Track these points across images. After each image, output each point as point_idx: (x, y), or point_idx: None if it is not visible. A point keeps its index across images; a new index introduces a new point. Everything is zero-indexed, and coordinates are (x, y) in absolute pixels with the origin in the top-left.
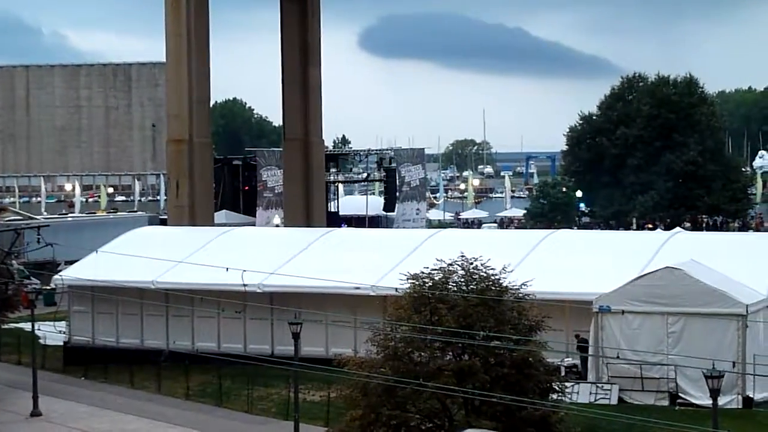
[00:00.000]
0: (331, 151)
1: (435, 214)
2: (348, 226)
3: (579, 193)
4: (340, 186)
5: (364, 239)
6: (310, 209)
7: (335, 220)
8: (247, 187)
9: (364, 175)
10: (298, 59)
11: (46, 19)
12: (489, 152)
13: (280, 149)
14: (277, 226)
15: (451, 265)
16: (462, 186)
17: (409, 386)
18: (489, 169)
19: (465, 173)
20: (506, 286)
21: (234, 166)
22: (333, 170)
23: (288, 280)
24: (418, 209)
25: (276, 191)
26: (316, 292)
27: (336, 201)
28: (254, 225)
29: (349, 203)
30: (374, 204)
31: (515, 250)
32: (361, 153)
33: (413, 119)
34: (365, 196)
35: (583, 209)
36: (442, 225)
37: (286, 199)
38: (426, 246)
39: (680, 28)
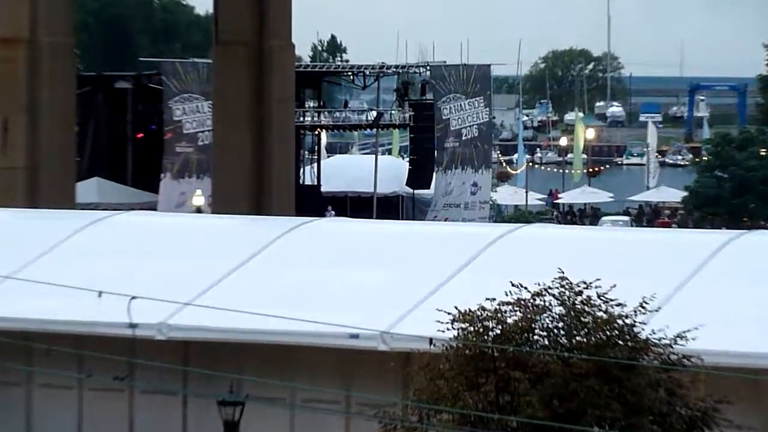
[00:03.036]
0: (307, 65)
1: (509, 195)
2: (338, 214)
3: None
4: (324, 135)
5: (368, 241)
6: (264, 179)
7: (313, 201)
8: (141, 134)
9: (372, 114)
10: None
11: None
12: (617, 75)
13: (208, 61)
14: (199, 211)
15: (538, 295)
16: (563, 140)
17: None
18: (617, 109)
19: (569, 115)
20: (647, 340)
21: (117, 93)
22: (311, 104)
23: (218, 318)
24: (475, 184)
25: (199, 143)
26: (274, 343)
27: (316, 164)
28: (155, 207)
29: (340, 169)
30: (390, 171)
31: (666, 270)
32: (367, 71)
33: (468, 9)
34: (372, 157)
35: None
36: (522, 215)
37: (217, 158)
38: (489, 257)
39: None
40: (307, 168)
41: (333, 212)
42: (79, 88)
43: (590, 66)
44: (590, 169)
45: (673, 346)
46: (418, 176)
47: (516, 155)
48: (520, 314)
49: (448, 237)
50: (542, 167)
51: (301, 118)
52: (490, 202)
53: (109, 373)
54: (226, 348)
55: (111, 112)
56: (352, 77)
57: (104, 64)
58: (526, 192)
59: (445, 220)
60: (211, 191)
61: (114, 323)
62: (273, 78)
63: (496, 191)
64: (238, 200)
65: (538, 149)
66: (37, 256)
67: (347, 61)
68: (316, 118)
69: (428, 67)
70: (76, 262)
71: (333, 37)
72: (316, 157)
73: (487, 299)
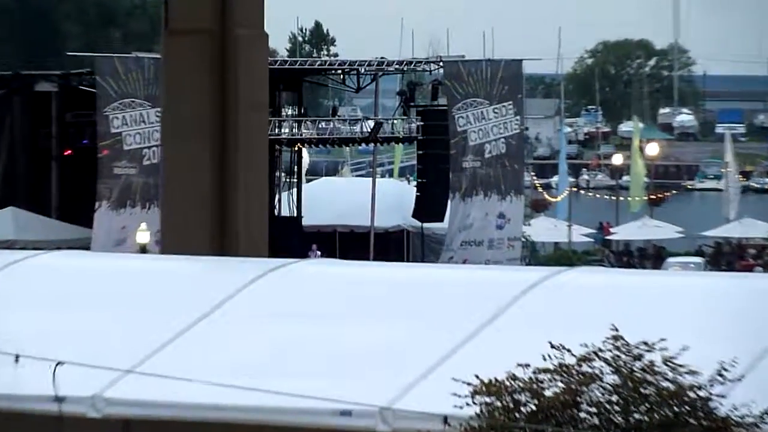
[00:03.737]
0: (285, 61)
1: (546, 230)
2: (325, 254)
3: None
4: (305, 153)
5: (364, 290)
6: (228, 210)
7: (293, 238)
8: (69, 151)
9: (368, 124)
10: None
11: None
12: (686, 74)
13: (156, 56)
14: (144, 250)
15: (585, 359)
16: (617, 158)
17: None
18: (687, 117)
19: (625, 126)
20: (726, 418)
21: (39, 98)
22: (289, 111)
23: (168, 389)
24: (502, 215)
25: (145, 162)
26: (241, 422)
27: (296, 190)
28: (88, 246)
29: (327, 196)
30: (392, 199)
31: (753, 328)
32: (362, 68)
33: None
34: (368, 180)
35: None
36: (563, 256)
37: (167, 182)
38: (520, 310)
39: None
40: (285, 195)
41: (318, 252)
42: None
43: (652, 62)
44: (652, 196)
45: (760, 425)
46: (428, 205)
47: (556, 177)
48: (562, 385)
49: (467, 284)
50: (590, 193)
51: (277, 130)
52: (522, 239)
53: None
54: (178, 427)
55: (30, 123)
56: (342, 77)
57: (21, 60)
58: (569, 226)
59: (464, 263)
60: (159, 225)
61: (34, 396)
62: (240, 78)
63: (529, 224)
64: (194, 237)
65: (584, 170)
66: None
67: (336, 55)
68: (295, 130)
69: (441, 64)
70: None
71: (318, 25)
72: (295, 180)
73: (518, 365)
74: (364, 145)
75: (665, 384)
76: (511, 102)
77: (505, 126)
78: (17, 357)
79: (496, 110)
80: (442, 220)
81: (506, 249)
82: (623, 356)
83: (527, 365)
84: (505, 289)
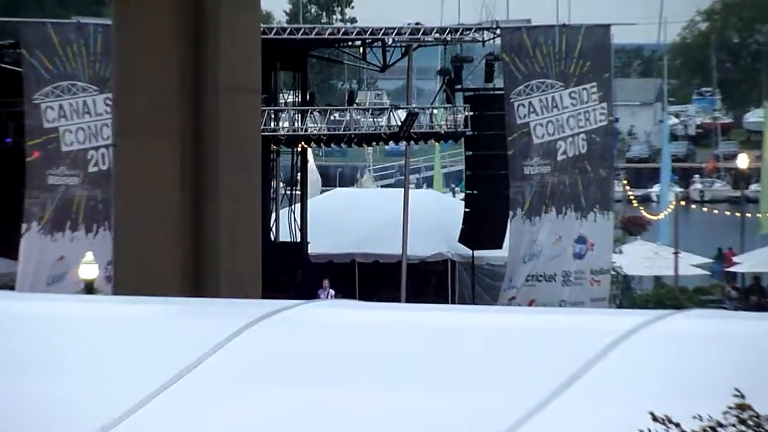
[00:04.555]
0: (284, 29)
1: (644, 258)
2: (340, 293)
3: None
4: (311, 155)
5: (392, 341)
6: (204, 233)
7: (295, 271)
8: None
9: (398, 115)
10: None
11: None
12: None
13: (105, 21)
14: (91, 290)
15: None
16: (742, 160)
17: None
18: None
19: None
20: None
21: None
22: (289, 98)
23: None
24: (583, 239)
25: (91, 168)
26: None
27: (299, 206)
28: (12, 284)
29: (342, 214)
30: (431, 218)
31: None
32: (389, 38)
33: None
34: (399, 191)
35: None
36: (668, 295)
37: (121, 196)
38: (608, 369)
39: None
40: (284, 212)
41: (331, 291)
42: None
43: None
44: None
45: None
46: (481, 227)
47: (657, 187)
48: None
49: (535, 335)
50: (704, 208)
51: (273, 124)
52: (611, 272)
53: None
54: None
55: None
56: (362, 50)
57: None
58: (676, 253)
59: (530, 304)
60: (111, 255)
61: None
62: (220, 51)
63: (620, 252)
64: (159, 271)
65: (696, 176)
66: None
67: (353, 21)
68: (298, 124)
69: (498, 32)
70: None
71: None
72: (298, 192)
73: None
74: (392, 143)
75: None
76: (594, 84)
77: (587, 117)
78: None
79: (573, 95)
80: (500, 247)
81: (589, 285)
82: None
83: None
84: (587, 341)
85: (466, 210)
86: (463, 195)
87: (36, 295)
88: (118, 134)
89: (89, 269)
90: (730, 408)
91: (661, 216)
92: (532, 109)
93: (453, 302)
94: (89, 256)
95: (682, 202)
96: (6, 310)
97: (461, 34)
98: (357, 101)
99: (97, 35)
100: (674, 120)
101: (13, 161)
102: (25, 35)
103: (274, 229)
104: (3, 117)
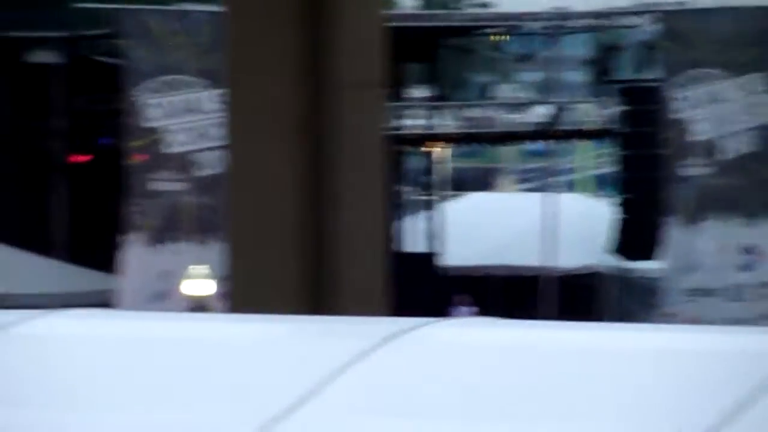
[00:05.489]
0: (413, 15)
1: None
2: (477, 308)
3: None
4: (443, 154)
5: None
6: (326, 243)
7: (426, 285)
8: (81, 157)
9: (540, 111)
10: None
11: None
12: None
13: (211, 8)
14: (202, 308)
15: None
16: None
17: None
18: None
19: None
20: None
21: (31, 75)
22: (417, 93)
23: None
24: (750, 248)
25: (198, 172)
26: None
27: (428, 212)
28: (111, 302)
29: (478, 221)
30: (577, 226)
31: None
32: (531, 25)
33: None
34: (542, 196)
35: None
36: None
37: (234, 202)
38: None
39: None
40: (411, 220)
41: (465, 307)
42: None
43: None
44: None
45: None
46: (634, 235)
47: None
48: None
49: (701, 357)
50: None
51: (399, 122)
52: None
53: None
54: None
55: (17, 114)
56: (499, 39)
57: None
58: None
59: (692, 322)
60: (221, 268)
61: None
62: (342, 42)
63: None
64: (275, 284)
65: None
66: None
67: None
68: (428, 121)
69: (657, 15)
70: None
71: None
72: (428, 197)
73: None
74: (533, 142)
75: None
76: (765, 74)
77: (756, 111)
78: None
79: (740, 86)
80: (655, 258)
81: (758, 301)
82: None
83: None
84: (758, 365)
85: (618, 216)
86: (614, 200)
87: (137, 314)
88: (229, 135)
89: (199, 284)
90: None
91: None
92: (692, 103)
93: (602, 319)
94: (199, 269)
95: None
96: (102, 332)
97: (612, 19)
98: (495, 96)
99: (205, 24)
100: None
101: (111, 165)
102: (124, 24)
103: (400, 238)
104: (99, 116)
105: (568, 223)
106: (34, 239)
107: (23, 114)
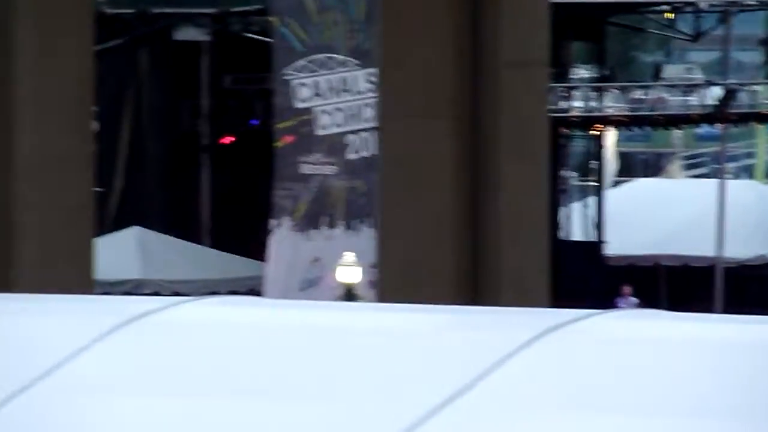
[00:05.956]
0: None
1: None
2: (644, 301)
3: None
4: (611, 138)
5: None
6: (482, 228)
7: (587, 273)
8: (229, 138)
9: (713, 93)
10: None
11: None
12: None
13: None
14: (351, 296)
15: None
16: None
17: None
18: None
19: None
20: None
21: (180, 52)
22: (583, 73)
23: None
24: None
25: (349, 155)
26: None
27: (593, 198)
28: (258, 289)
29: (646, 208)
30: (752, 213)
31: None
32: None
33: None
34: (715, 182)
35: None
36: None
37: (387, 185)
38: None
39: None
40: (575, 207)
41: (633, 298)
42: (101, 42)
43: None
44: None
45: None
46: None
47: None
48: None
49: None
50: None
51: (563, 104)
52: None
53: None
54: None
55: (166, 93)
56: (670, 16)
57: None
58: None
59: None
60: (375, 255)
61: None
62: (503, 19)
63: None
64: (430, 273)
65: None
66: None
67: None
68: (594, 103)
69: None
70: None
71: None
72: (594, 183)
73: None
74: (705, 126)
75: None
76: None
77: None
78: None
79: None
80: None
81: None
82: None
83: None
84: None
85: None
86: None
87: (288, 302)
88: (383, 116)
89: (349, 272)
90: None
91: None
92: None
93: None
94: (349, 256)
95: None
96: (247, 320)
97: None
98: (664, 76)
99: (359, 0)
100: None
101: (261, 147)
102: (275, 0)
103: (563, 225)
104: (249, 96)
105: (741, 211)
106: (180, 223)
107: (171, 93)
